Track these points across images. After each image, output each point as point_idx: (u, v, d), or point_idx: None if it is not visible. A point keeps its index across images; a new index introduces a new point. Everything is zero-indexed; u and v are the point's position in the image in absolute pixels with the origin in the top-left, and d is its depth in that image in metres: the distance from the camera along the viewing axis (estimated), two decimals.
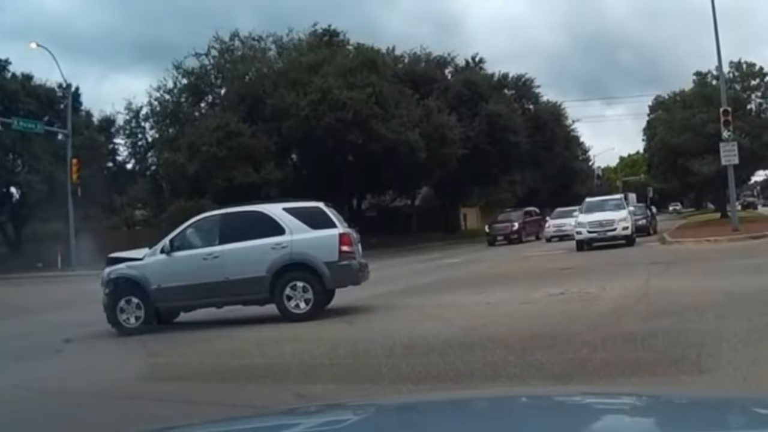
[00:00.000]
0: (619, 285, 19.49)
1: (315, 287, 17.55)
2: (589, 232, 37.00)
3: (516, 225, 55.91)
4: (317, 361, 12.12)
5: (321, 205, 18.65)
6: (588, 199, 42.67)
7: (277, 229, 17.77)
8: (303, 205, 18.76)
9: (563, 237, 48.28)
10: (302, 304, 17.47)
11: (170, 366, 13.20)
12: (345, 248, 17.84)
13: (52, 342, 16.06)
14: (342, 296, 18.84)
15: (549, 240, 50.53)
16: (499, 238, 55.08)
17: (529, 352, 11.26)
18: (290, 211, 18.13)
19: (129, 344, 16.06)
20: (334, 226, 18.09)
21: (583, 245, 36.73)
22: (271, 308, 17.70)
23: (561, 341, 12.00)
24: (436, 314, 16.73)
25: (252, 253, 17.67)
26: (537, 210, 61.60)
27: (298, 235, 17.66)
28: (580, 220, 38.23)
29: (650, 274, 21.73)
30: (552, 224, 52.31)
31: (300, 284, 17.52)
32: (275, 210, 18.22)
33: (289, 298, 17.51)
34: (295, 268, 17.64)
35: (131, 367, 13.16)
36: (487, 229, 58.32)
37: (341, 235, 17.91)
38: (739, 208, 61.94)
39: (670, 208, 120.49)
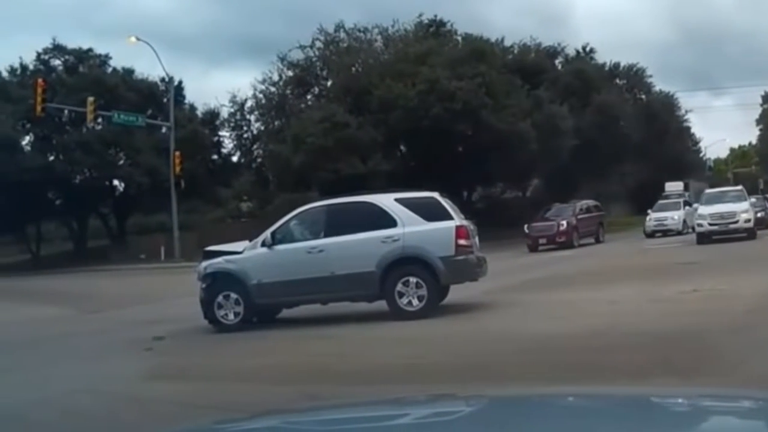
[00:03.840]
0: (751, 281, 18.18)
1: (429, 283, 16.50)
2: (710, 224, 35.78)
3: (564, 224, 44.11)
4: (429, 360, 11.70)
5: (436, 195, 17.59)
6: (708, 191, 42.13)
7: (388, 221, 16.77)
8: (416, 196, 17.76)
9: (666, 232, 46.52)
10: (415, 301, 16.44)
11: (269, 368, 12.41)
12: (462, 242, 16.73)
13: (142, 339, 15.72)
14: (453, 292, 17.86)
15: (650, 235, 46.14)
16: (542, 240, 43.75)
17: (671, 354, 10.49)
18: (403, 201, 17.11)
19: (225, 342, 15.59)
20: (450, 218, 16.98)
21: (704, 238, 35.56)
22: (380, 305, 16.81)
23: (706, 343, 11.27)
24: (556, 312, 15.88)
25: (360, 247, 16.71)
26: (597, 204, 50.75)
27: (411, 228, 16.61)
28: (700, 212, 37.14)
29: None
30: (653, 218, 47.96)
31: (413, 280, 16.48)
32: (386, 201, 17.21)
33: (401, 295, 16.50)
34: (407, 262, 16.63)
35: (223, 368, 12.68)
36: (526, 229, 45.19)
37: (458, 228, 16.78)
38: None
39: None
